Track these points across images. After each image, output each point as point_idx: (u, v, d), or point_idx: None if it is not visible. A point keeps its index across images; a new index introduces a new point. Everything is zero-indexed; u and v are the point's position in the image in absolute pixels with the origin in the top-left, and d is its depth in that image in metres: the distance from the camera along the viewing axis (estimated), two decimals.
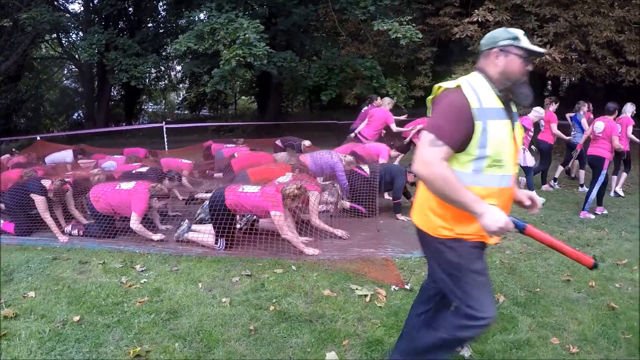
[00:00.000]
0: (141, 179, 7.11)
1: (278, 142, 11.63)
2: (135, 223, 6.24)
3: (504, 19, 13.56)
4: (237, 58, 12.85)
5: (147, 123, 30.11)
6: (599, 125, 8.55)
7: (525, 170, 9.50)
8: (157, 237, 6.35)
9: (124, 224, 6.60)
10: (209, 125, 22.14)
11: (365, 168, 8.00)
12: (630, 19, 13.92)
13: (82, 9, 24.00)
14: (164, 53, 24.02)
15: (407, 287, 4.88)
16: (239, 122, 23.14)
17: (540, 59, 12.81)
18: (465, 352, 3.78)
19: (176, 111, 38.08)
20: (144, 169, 8.29)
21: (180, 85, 35.34)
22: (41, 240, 6.47)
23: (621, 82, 14.97)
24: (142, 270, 5.24)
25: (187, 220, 6.44)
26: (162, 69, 27.87)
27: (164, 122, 16.56)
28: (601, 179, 8.42)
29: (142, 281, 4.94)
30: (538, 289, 5.06)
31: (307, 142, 11.03)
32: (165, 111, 38.38)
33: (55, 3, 22.81)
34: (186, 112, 35.84)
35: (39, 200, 6.58)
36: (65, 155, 11.05)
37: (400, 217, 7.75)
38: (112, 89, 27.58)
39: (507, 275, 5.39)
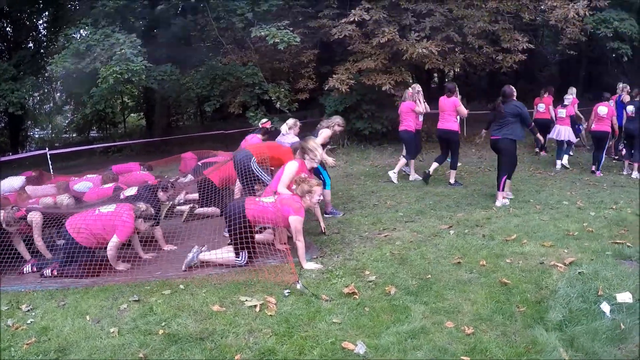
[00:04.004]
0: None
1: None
2: (112, 247, 5.81)
3: (381, 17, 13.79)
4: (114, 75, 12.42)
5: (34, 150, 28.57)
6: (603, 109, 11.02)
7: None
8: (121, 267, 5.93)
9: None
10: (96, 147, 21.31)
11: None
12: (503, 9, 14.55)
13: None
14: (46, 74, 22.88)
15: (298, 287, 4.86)
16: (127, 140, 22.41)
17: (418, 52, 13.16)
18: (360, 348, 3.78)
19: (64, 135, 36.40)
20: (132, 192, 7.46)
21: (66, 107, 33.86)
22: None
23: (499, 68, 15.64)
24: (29, 310, 4.90)
25: (196, 247, 6.01)
26: (46, 91, 26.57)
27: (47, 149, 15.78)
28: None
29: (29, 321, 4.62)
30: (429, 276, 5.13)
31: (266, 123, 11.11)
32: (53, 136, 36.59)
33: None
34: (74, 135, 34.38)
35: None
36: (13, 182, 9.63)
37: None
38: None
39: (397, 266, 5.44)
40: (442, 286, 4.88)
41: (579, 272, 4.92)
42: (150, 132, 22.26)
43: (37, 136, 35.65)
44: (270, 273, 5.34)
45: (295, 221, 5.60)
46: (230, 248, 5.86)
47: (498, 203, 8.19)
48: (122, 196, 7.45)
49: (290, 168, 6.55)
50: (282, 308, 4.51)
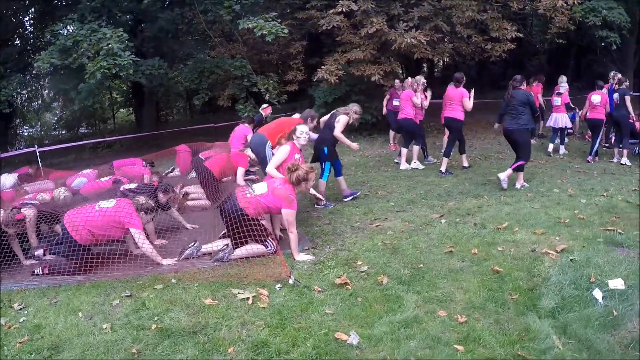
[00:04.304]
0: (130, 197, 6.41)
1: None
2: (142, 241, 5.68)
3: (369, 8, 13.76)
4: (102, 70, 12.33)
5: (24, 148, 28.33)
6: (596, 97, 11.32)
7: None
8: (166, 261, 5.77)
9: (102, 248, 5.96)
10: (86, 143, 21.16)
11: None
12: None
13: None
14: (34, 71, 22.69)
15: (291, 281, 4.82)
16: (117, 136, 22.27)
17: (407, 42, 13.14)
18: (353, 339, 3.77)
19: (53, 132, 36.15)
20: (132, 186, 7.43)
21: (55, 104, 33.61)
22: None
23: (489, 57, 15.65)
24: (21, 308, 4.83)
25: (197, 242, 6.01)
26: (34, 88, 26.33)
27: (36, 146, 15.68)
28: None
29: (21, 320, 4.57)
30: (421, 265, 5.13)
31: (266, 108, 11.58)
32: (42, 133, 36.32)
33: None
34: (64, 131, 34.15)
35: None
36: (5, 180, 9.46)
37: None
38: None
39: (389, 256, 5.44)
40: (434, 275, 4.88)
41: (571, 259, 4.93)
42: (139, 127, 22.13)
43: (26, 134, 35.36)
44: (261, 265, 5.31)
45: (288, 214, 5.59)
46: (223, 242, 5.84)
47: (502, 179, 8.37)
48: (121, 188, 7.44)
49: (282, 151, 6.65)
50: (275, 300, 4.50)
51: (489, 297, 4.36)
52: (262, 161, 7.29)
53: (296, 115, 8.48)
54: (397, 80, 13.52)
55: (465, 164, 10.66)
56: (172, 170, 11.49)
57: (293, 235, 5.61)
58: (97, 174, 9.25)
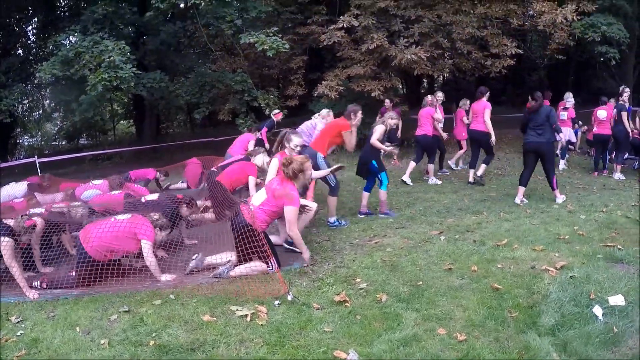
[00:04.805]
0: (153, 210, 6.38)
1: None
2: (148, 253, 5.62)
3: (370, 23, 13.84)
4: (103, 82, 12.39)
5: (24, 158, 28.35)
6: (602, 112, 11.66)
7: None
8: (165, 277, 5.70)
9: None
10: (86, 154, 21.22)
11: None
12: (492, 14, 14.65)
13: None
14: (35, 81, 22.79)
15: (289, 298, 4.79)
16: (117, 148, 22.33)
17: (407, 58, 13.19)
18: (352, 357, 3.75)
19: (53, 142, 36.25)
20: (154, 197, 7.44)
21: (56, 114, 33.72)
22: None
23: (489, 73, 15.70)
24: (18, 322, 4.80)
25: (200, 254, 5.95)
26: (35, 98, 26.42)
27: (36, 156, 15.71)
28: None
29: (18, 333, 4.54)
30: (421, 282, 5.09)
31: (278, 114, 12.21)
32: (42, 143, 36.42)
33: None
34: (64, 142, 34.26)
35: (5, 244, 5.42)
36: (14, 190, 9.15)
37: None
38: None
39: (388, 273, 5.40)
40: (433, 293, 4.84)
41: (571, 276, 4.90)
42: (140, 140, 22.18)
43: (26, 144, 35.45)
44: (260, 282, 5.27)
45: (290, 212, 5.57)
46: (226, 255, 5.84)
47: (559, 200, 8.50)
48: (143, 200, 7.43)
49: (272, 165, 6.83)
50: (273, 317, 4.46)
51: (488, 314, 4.33)
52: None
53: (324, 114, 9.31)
54: (387, 100, 13.72)
55: (471, 179, 10.76)
56: (170, 186, 11.51)
57: (294, 235, 5.61)
58: (108, 185, 9.16)
